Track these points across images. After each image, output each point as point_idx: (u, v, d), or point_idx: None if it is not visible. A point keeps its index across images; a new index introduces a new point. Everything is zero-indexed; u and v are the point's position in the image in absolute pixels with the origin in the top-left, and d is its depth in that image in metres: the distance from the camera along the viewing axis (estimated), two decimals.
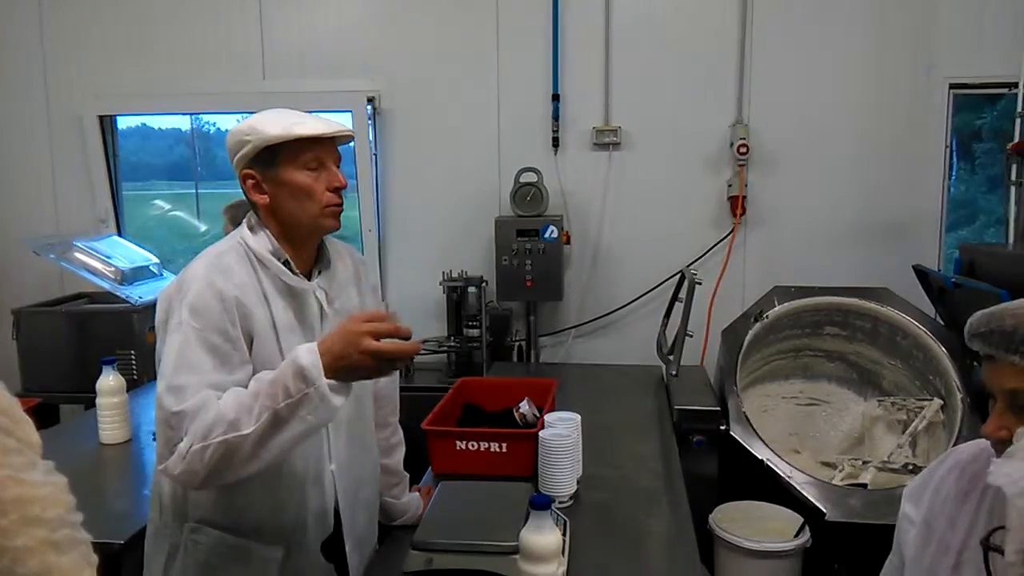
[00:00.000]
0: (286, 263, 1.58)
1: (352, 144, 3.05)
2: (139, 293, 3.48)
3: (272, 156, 1.53)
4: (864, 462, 2.86)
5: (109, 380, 2.40)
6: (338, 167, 1.61)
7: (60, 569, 0.64)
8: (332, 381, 1.33)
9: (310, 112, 1.61)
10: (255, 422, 1.32)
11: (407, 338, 1.36)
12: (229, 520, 1.54)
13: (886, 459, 2.86)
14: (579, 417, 2.11)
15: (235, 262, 1.54)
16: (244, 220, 1.63)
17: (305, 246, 1.63)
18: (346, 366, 1.33)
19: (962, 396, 2.81)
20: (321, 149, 1.56)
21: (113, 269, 3.53)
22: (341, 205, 1.60)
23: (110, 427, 2.40)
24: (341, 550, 1.66)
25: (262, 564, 1.54)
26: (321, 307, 1.61)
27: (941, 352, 2.94)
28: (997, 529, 1.08)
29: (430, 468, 2.19)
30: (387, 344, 1.33)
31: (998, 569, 1.10)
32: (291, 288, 1.57)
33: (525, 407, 2.32)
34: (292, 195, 1.55)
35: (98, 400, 2.40)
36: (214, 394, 1.38)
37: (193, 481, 1.38)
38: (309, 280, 1.63)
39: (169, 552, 1.56)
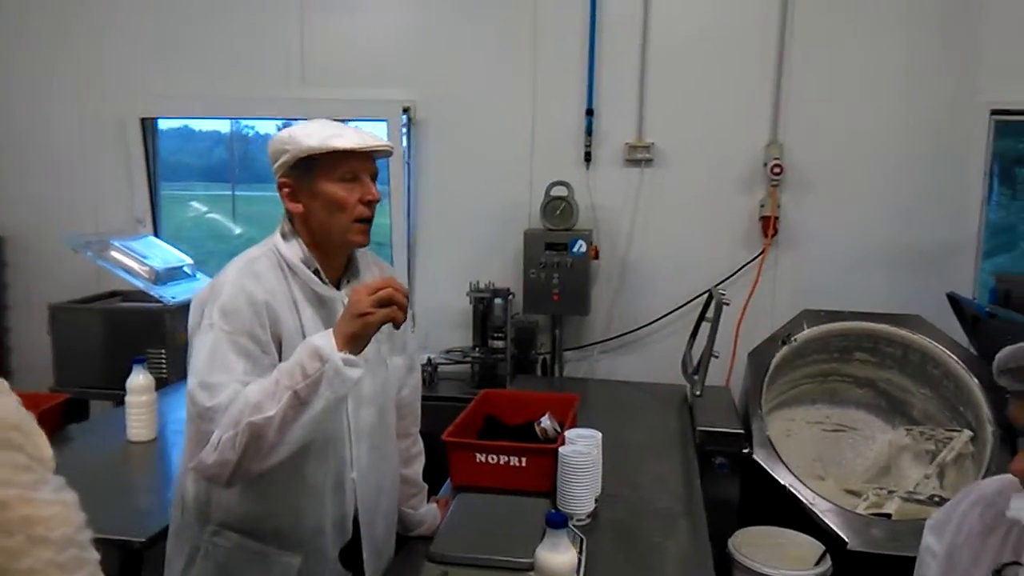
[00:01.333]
0: (316, 272, 1.61)
1: None
2: (172, 293, 3.54)
3: (309, 166, 1.56)
4: (890, 492, 2.81)
5: (139, 379, 2.45)
6: (374, 181, 1.63)
7: None
8: (346, 355, 1.40)
9: (346, 121, 1.63)
10: (277, 404, 1.37)
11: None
12: (250, 524, 1.56)
13: (912, 490, 2.82)
14: (599, 435, 2.10)
15: (267, 268, 1.57)
16: (278, 227, 1.65)
17: (335, 256, 1.65)
18: (354, 331, 1.42)
19: (993, 429, 2.75)
20: (357, 162, 1.58)
21: (148, 269, 3.60)
22: (371, 220, 1.62)
23: (138, 425, 2.44)
24: (359, 558, 1.67)
25: (281, 569, 1.56)
26: None
27: (973, 383, 2.88)
28: (1010, 564, 1.07)
29: (449, 479, 2.19)
30: (371, 285, 1.45)
31: None
32: (320, 296, 1.60)
33: (546, 422, 2.32)
34: (324, 206, 1.57)
35: (127, 398, 2.45)
36: (243, 388, 1.42)
37: (225, 472, 1.40)
38: (338, 289, 1.65)
39: (189, 553, 1.58)
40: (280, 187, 1.60)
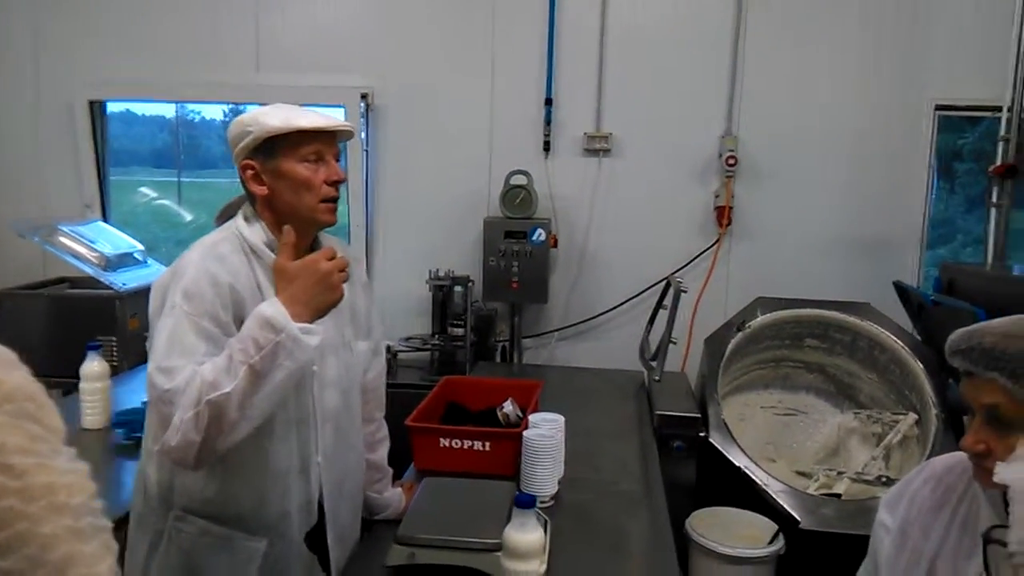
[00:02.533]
0: None
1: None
2: (123, 280, 3.45)
3: (272, 147, 1.55)
4: (839, 473, 2.90)
5: (93, 365, 2.39)
6: (337, 161, 1.63)
7: (83, 557, 0.64)
8: (301, 324, 1.39)
9: (304, 106, 1.63)
10: (234, 380, 1.35)
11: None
12: (214, 509, 1.54)
13: (860, 471, 2.91)
14: (563, 418, 2.13)
15: (230, 251, 1.55)
16: (240, 211, 1.64)
17: (301, 238, 1.63)
18: (317, 304, 1.44)
19: (937, 412, 2.86)
20: (321, 142, 1.58)
21: (97, 255, 3.50)
22: (337, 199, 1.62)
23: (92, 412, 2.38)
24: (324, 542, 1.67)
25: (246, 554, 1.55)
26: None
27: (918, 368, 2.99)
28: (997, 527, 1.14)
29: (412, 464, 2.20)
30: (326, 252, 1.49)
31: (999, 561, 1.17)
32: None
33: (509, 407, 2.34)
34: (291, 187, 1.57)
35: (81, 385, 2.39)
36: (199, 368, 1.40)
37: (190, 453, 1.38)
38: None
39: (152, 540, 1.56)
40: (243, 169, 1.59)
